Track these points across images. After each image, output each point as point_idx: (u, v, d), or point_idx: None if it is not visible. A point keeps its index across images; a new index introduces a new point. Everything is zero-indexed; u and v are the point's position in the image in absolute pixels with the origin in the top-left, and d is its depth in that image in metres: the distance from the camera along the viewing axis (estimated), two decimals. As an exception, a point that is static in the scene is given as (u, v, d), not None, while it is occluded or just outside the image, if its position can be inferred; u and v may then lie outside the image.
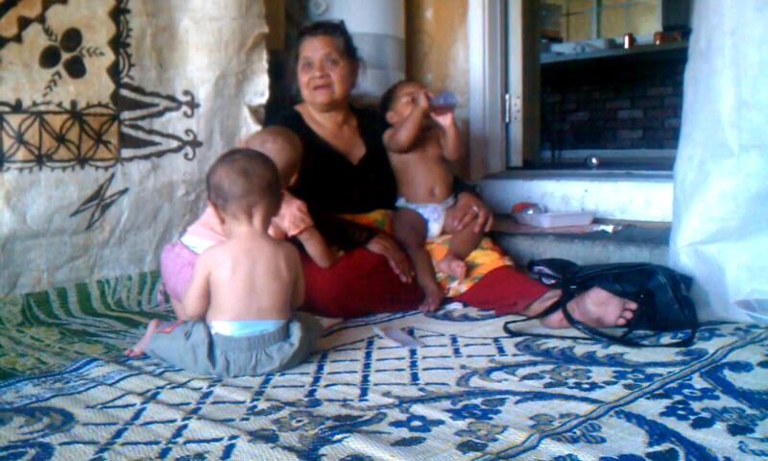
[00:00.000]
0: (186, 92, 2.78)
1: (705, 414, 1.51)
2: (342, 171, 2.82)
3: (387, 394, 1.69)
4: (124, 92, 2.64)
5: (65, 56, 2.50)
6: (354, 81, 2.91)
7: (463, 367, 1.90)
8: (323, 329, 2.18)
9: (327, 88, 2.77)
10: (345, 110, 2.92)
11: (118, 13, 2.59)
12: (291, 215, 2.35)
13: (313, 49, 2.79)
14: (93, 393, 1.75)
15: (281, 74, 3.17)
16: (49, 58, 2.47)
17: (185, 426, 1.51)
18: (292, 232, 2.36)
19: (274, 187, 1.98)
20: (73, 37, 2.51)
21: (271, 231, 2.10)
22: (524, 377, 1.80)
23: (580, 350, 2.04)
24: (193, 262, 2.03)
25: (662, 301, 2.21)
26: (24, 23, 2.41)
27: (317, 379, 1.83)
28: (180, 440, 1.45)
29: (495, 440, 1.40)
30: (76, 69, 2.53)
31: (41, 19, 2.44)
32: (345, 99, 2.89)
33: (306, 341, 1.95)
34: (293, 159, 2.40)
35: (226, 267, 1.88)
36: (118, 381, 1.82)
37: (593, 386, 1.71)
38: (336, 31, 2.86)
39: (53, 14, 2.46)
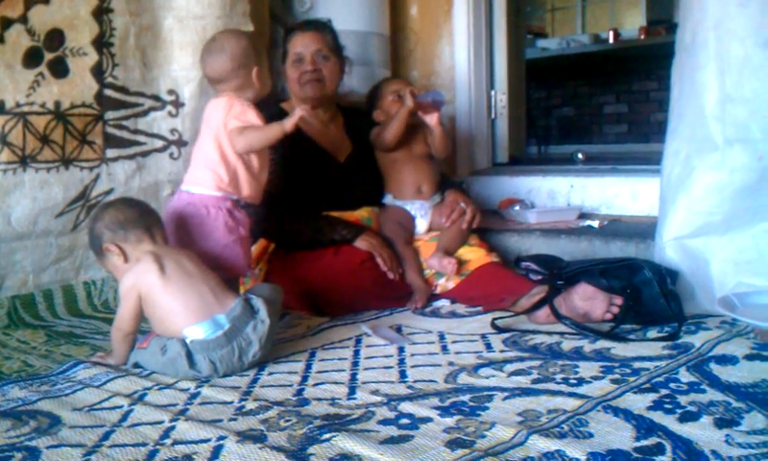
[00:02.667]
0: (171, 91, 2.77)
1: (691, 408, 1.52)
2: (328, 169, 2.82)
3: (375, 392, 1.69)
4: (108, 92, 2.62)
5: (48, 56, 2.49)
6: (342, 79, 2.91)
7: (451, 364, 1.90)
8: (281, 291, 2.14)
9: (319, 83, 2.78)
10: (332, 108, 2.92)
11: (101, 13, 2.58)
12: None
13: (304, 45, 2.79)
14: (80, 395, 1.74)
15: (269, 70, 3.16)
16: (32, 58, 2.45)
17: (173, 428, 1.51)
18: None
19: (158, 215, 2.08)
20: (56, 38, 2.50)
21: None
22: (512, 373, 1.80)
23: (567, 345, 2.04)
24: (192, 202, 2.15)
25: (649, 295, 2.21)
26: (6, 24, 2.39)
27: (305, 378, 1.83)
28: (168, 441, 1.45)
29: (484, 437, 1.40)
30: (59, 69, 2.51)
31: (24, 20, 2.42)
32: (333, 96, 2.89)
33: (274, 312, 1.95)
34: (245, 46, 2.25)
35: (152, 272, 1.88)
36: (105, 383, 1.82)
37: (581, 381, 1.72)
38: (325, 28, 2.87)
39: (35, 15, 2.45)
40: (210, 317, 1.86)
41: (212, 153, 2.17)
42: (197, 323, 1.86)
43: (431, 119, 2.79)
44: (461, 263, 2.64)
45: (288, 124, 2.18)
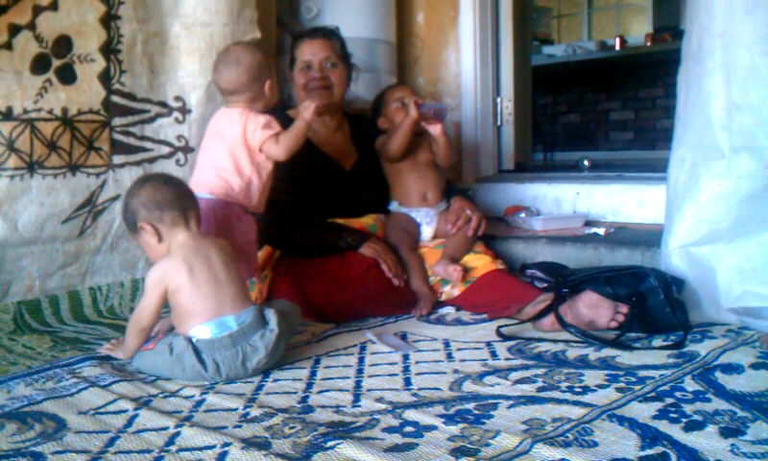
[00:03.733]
0: (178, 98, 2.78)
1: (697, 417, 1.52)
2: (334, 176, 2.82)
3: (380, 399, 1.69)
4: (115, 99, 2.63)
5: (56, 63, 2.50)
6: (349, 86, 2.92)
7: (456, 371, 1.90)
8: (299, 311, 2.19)
9: (326, 90, 2.78)
10: (338, 116, 2.93)
11: (109, 20, 2.59)
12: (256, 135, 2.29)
13: (312, 52, 2.81)
14: (85, 396, 1.75)
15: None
16: (40, 65, 2.46)
17: (178, 434, 1.51)
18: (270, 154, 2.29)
19: (194, 197, 2.05)
20: (64, 44, 2.51)
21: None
22: (517, 382, 1.80)
23: (572, 353, 2.04)
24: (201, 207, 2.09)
25: (654, 303, 2.21)
26: (14, 30, 2.40)
27: (310, 385, 1.83)
28: (173, 448, 1.45)
29: (488, 445, 1.40)
30: (67, 76, 2.52)
31: (32, 26, 2.43)
32: (340, 103, 2.90)
33: (285, 325, 1.96)
34: (260, 59, 2.31)
35: (182, 273, 1.88)
36: (111, 384, 1.83)
37: (586, 390, 1.72)
38: (333, 36, 2.88)
39: (43, 21, 2.46)
40: (218, 318, 1.87)
41: (225, 162, 2.21)
42: (206, 322, 1.87)
43: (434, 129, 2.79)
44: (466, 270, 2.63)
45: (307, 114, 2.28)
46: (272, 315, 1.93)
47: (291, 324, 2.04)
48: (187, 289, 1.89)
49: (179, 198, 1.97)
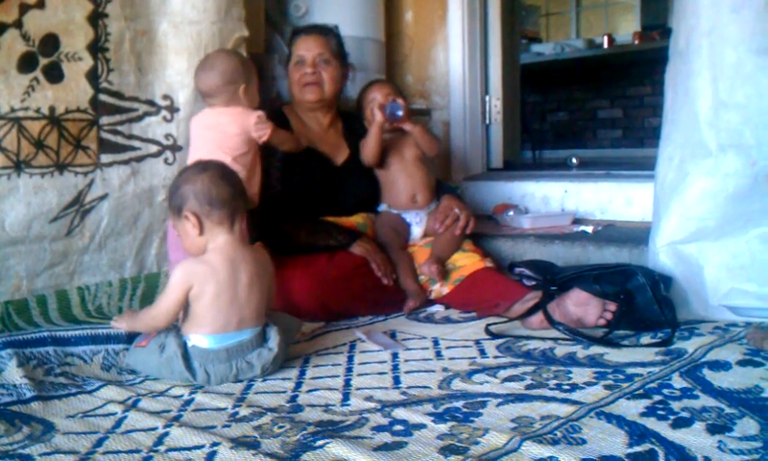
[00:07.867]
0: (166, 96, 2.76)
1: (684, 414, 1.53)
2: (325, 173, 2.82)
3: (369, 398, 1.70)
4: (103, 97, 2.62)
5: (43, 61, 2.48)
6: (344, 84, 2.92)
7: (445, 370, 1.91)
8: (301, 326, 2.18)
9: (317, 86, 2.79)
10: (332, 113, 2.93)
11: (96, 18, 2.57)
12: (254, 124, 2.35)
13: (306, 48, 2.81)
14: (74, 402, 1.74)
15: (261, 77, 3.16)
16: (27, 63, 2.44)
17: (167, 434, 1.51)
18: (263, 139, 2.36)
19: (245, 200, 2.04)
20: (51, 43, 2.49)
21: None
22: (505, 380, 1.81)
23: (561, 351, 2.05)
24: None
25: (642, 301, 2.22)
26: (0, 29, 2.38)
27: (299, 384, 1.83)
28: (162, 448, 1.45)
29: (477, 443, 1.40)
30: (54, 74, 2.50)
31: (18, 25, 2.42)
32: (333, 101, 2.90)
33: (285, 343, 1.95)
34: (235, 64, 2.44)
35: (209, 282, 1.85)
36: (99, 388, 1.82)
37: (574, 387, 1.72)
38: (330, 33, 2.89)
39: (30, 20, 2.44)
40: (221, 333, 1.86)
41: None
42: (208, 334, 1.85)
43: (405, 126, 2.79)
44: (455, 269, 2.64)
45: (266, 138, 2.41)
46: (273, 333, 1.92)
47: (290, 340, 2.03)
48: (207, 300, 1.85)
49: (232, 198, 1.92)
